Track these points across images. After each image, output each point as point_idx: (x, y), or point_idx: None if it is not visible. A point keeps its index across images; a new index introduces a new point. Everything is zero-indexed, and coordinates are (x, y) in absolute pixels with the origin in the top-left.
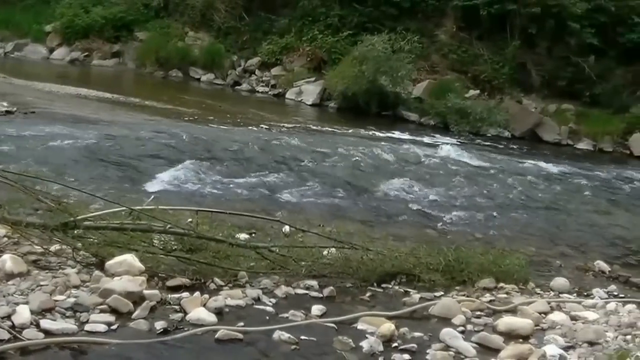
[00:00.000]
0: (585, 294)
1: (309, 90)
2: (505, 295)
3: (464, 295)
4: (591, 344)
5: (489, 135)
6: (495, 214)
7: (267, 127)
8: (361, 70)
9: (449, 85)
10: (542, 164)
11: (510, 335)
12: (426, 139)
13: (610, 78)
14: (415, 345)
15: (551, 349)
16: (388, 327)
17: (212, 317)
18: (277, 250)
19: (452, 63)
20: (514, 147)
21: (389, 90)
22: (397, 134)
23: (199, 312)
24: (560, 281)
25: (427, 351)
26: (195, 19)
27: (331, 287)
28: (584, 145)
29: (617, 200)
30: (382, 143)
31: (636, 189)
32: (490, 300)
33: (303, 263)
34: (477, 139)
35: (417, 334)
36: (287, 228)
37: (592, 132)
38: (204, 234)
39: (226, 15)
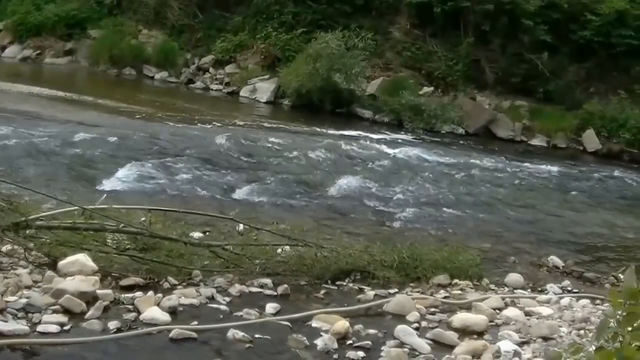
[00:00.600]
0: (540, 289)
1: (263, 88)
2: (459, 292)
3: (418, 292)
4: (545, 339)
5: (443, 132)
6: (449, 210)
7: (220, 125)
8: (315, 67)
9: (402, 83)
10: (496, 161)
11: (465, 332)
12: (380, 136)
13: (563, 75)
14: (369, 343)
15: (505, 345)
16: (342, 324)
17: (165, 317)
18: (231, 249)
19: (406, 60)
20: (468, 143)
21: (343, 87)
22: (351, 132)
23: (153, 311)
24: (514, 277)
25: (382, 348)
26: (149, 17)
27: (285, 285)
28: (537, 141)
29: (570, 196)
30: (336, 141)
31: (589, 185)
32: (445, 297)
33: (257, 261)
34: (431, 136)
35: (371, 331)
36: (241, 226)
37: (546, 128)
38: (158, 233)
39: (180, 13)
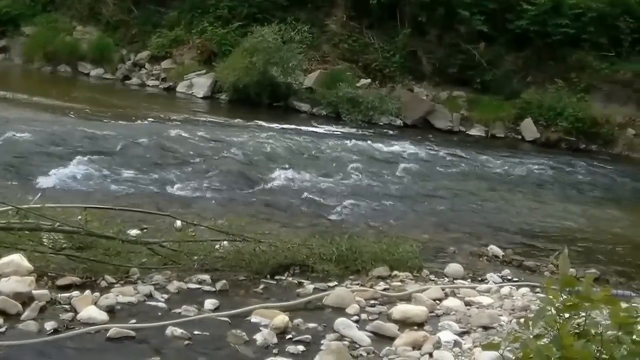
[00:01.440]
0: (480, 279)
1: (200, 83)
2: (399, 283)
3: (358, 284)
4: (486, 328)
5: (381, 123)
6: (388, 202)
7: (157, 121)
8: (252, 61)
9: (340, 75)
10: (434, 152)
11: (405, 323)
12: (318, 129)
13: (500, 64)
14: (309, 337)
15: (445, 335)
16: (281, 319)
17: (103, 316)
18: (169, 245)
19: (343, 52)
20: (406, 135)
21: (280, 81)
22: (289, 125)
23: (90, 310)
24: (454, 267)
25: (322, 342)
26: (83, 13)
27: (224, 281)
28: (476, 131)
29: (509, 185)
30: (274, 134)
31: (527, 174)
32: (385, 289)
33: (195, 257)
34: (369, 128)
35: (311, 324)
36: (178, 223)
37: (484, 118)
38: (94, 231)
39: (114, 9)
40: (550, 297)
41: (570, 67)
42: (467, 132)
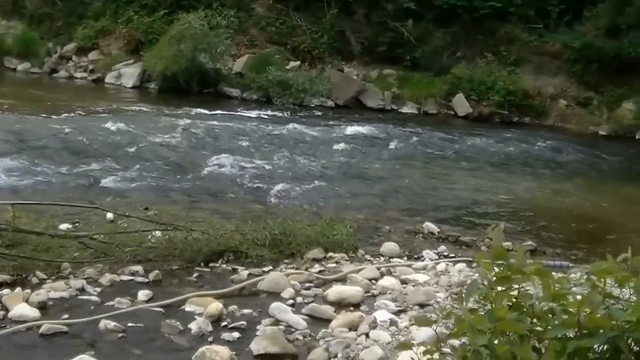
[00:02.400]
0: (416, 256)
1: (128, 73)
2: (334, 265)
3: (292, 268)
4: (422, 306)
5: (313, 105)
6: (322, 183)
7: (86, 113)
8: (179, 49)
9: (269, 59)
10: (367, 131)
11: (341, 304)
12: (249, 114)
13: (429, 41)
14: (244, 323)
15: (381, 315)
16: (216, 306)
17: (35, 312)
18: (100, 238)
19: (270, 36)
20: (338, 115)
21: (208, 67)
22: (219, 111)
23: (21, 308)
24: (390, 246)
25: (257, 327)
26: (7, 7)
27: (157, 271)
28: (408, 109)
29: (444, 162)
30: (205, 121)
31: (461, 149)
32: (320, 271)
33: (127, 249)
34: (300, 110)
35: (246, 310)
36: (109, 215)
37: (416, 95)
38: (22, 228)
39: (38, 2)
40: (483, 270)
41: (499, 41)
42: (399, 110)
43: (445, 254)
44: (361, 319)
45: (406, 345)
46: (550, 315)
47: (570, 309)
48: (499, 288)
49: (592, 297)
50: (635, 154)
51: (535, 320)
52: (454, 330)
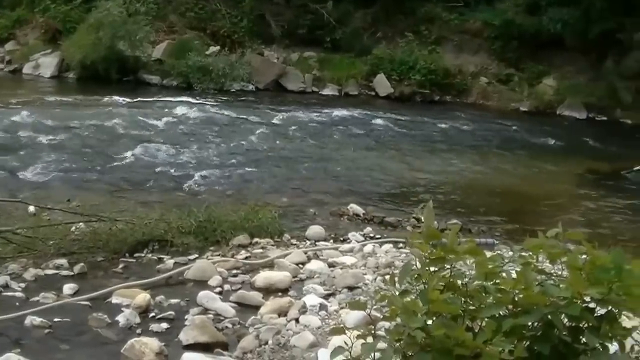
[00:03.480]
0: (342, 239)
1: (46, 63)
2: (260, 250)
3: (219, 255)
4: (351, 288)
5: (233, 90)
6: (244, 169)
7: (2, 105)
8: (98, 37)
9: (188, 44)
10: (288, 114)
11: (269, 290)
12: (169, 101)
13: (349, 22)
14: (172, 313)
15: (310, 299)
16: (142, 297)
17: None
18: (23, 232)
19: (190, 21)
20: (259, 99)
21: (128, 55)
22: (139, 99)
23: None
24: (315, 229)
25: (186, 317)
26: None
27: (82, 264)
28: (329, 91)
29: (365, 143)
30: (125, 110)
31: (383, 130)
32: (246, 257)
33: (51, 242)
34: (221, 95)
35: (174, 300)
36: (31, 208)
37: (337, 77)
38: None
39: None
40: (416, 251)
41: (419, 20)
42: (320, 92)
43: (372, 235)
44: (290, 304)
45: (339, 330)
46: (484, 294)
47: (504, 287)
48: (432, 269)
49: (526, 274)
50: (556, 129)
51: (469, 300)
52: (387, 312)
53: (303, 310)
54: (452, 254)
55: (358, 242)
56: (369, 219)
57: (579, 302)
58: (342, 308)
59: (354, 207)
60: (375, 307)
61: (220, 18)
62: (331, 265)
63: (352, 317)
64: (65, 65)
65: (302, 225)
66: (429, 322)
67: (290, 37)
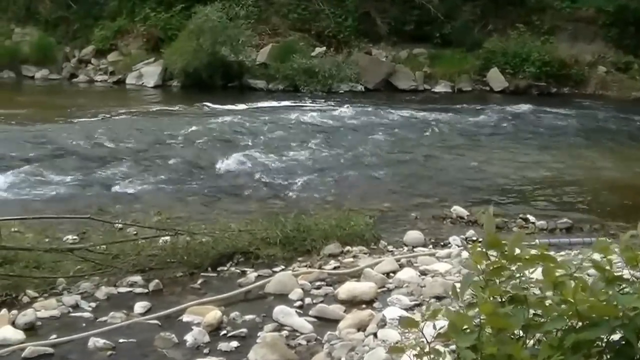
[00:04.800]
0: (442, 243)
1: (149, 72)
2: (352, 259)
3: (306, 266)
4: (439, 298)
5: (341, 91)
6: (348, 173)
7: (104, 118)
8: (199, 43)
9: (293, 46)
10: (398, 114)
11: (353, 302)
12: (275, 105)
13: (458, 16)
14: (245, 330)
15: (391, 312)
16: (214, 315)
17: (19, 335)
18: (99, 249)
19: (293, 23)
20: (368, 100)
21: (231, 60)
22: (244, 105)
23: (4, 331)
24: (413, 234)
25: (259, 334)
26: (20, 14)
27: (156, 281)
28: (441, 87)
29: (478, 140)
30: (228, 116)
31: (497, 126)
32: (335, 267)
33: (127, 258)
34: (328, 97)
35: (249, 317)
36: (119, 224)
37: (448, 73)
38: (7, 245)
39: (52, 6)
40: (471, 262)
41: (530, 10)
42: (432, 90)
43: (474, 239)
44: (371, 317)
45: (398, 349)
46: (548, 306)
47: (567, 297)
48: (497, 279)
49: (590, 281)
50: None
51: (533, 311)
52: (445, 330)
53: (382, 324)
54: (515, 261)
55: (459, 246)
56: (472, 221)
57: None
58: (425, 320)
59: (458, 210)
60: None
61: (324, 18)
62: (423, 273)
63: (431, 330)
64: (168, 74)
65: (401, 230)
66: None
67: (397, 34)
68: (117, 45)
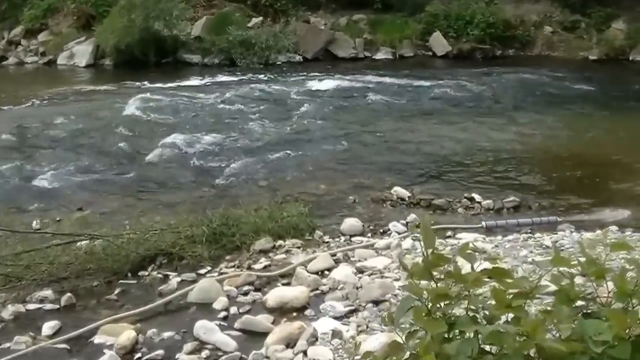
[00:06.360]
0: (382, 231)
1: (81, 51)
2: (284, 256)
3: (234, 266)
4: (376, 303)
5: (279, 63)
6: (284, 153)
7: (31, 102)
8: (131, 19)
9: (229, 18)
10: (338, 85)
11: (283, 310)
12: (210, 81)
13: None
14: (161, 352)
15: (322, 324)
16: (127, 335)
17: None
18: (9, 261)
19: None
20: (307, 70)
21: (165, 35)
22: (178, 82)
23: None
24: (350, 222)
25: (177, 356)
26: None
27: (69, 294)
28: (382, 54)
29: (419, 112)
30: (159, 96)
31: (439, 94)
32: (266, 266)
33: (41, 268)
34: (266, 69)
35: (167, 333)
36: (35, 224)
37: (390, 39)
38: None
39: None
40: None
41: None
42: (373, 57)
43: (417, 224)
44: (301, 330)
45: None
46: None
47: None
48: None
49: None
50: (631, 77)
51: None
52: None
53: (312, 339)
54: (461, 281)
55: (398, 234)
56: (414, 202)
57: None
58: (361, 331)
59: (398, 191)
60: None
61: None
62: (360, 270)
63: (370, 345)
64: (100, 52)
65: (339, 217)
66: None
67: (336, 0)
68: (47, 24)
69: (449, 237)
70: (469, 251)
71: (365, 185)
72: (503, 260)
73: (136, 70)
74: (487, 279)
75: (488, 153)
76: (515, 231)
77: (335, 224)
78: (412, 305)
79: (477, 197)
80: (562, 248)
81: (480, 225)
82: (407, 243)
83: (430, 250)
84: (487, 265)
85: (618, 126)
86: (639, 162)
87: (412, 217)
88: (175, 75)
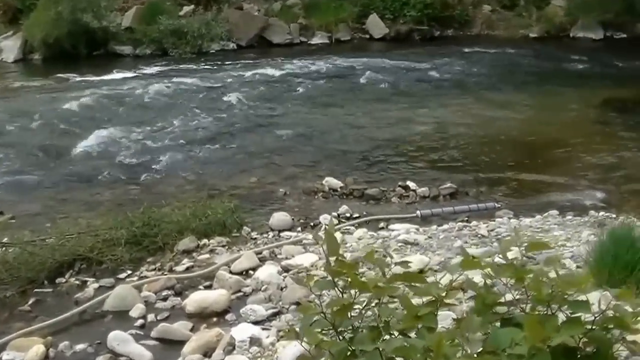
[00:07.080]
0: (312, 224)
1: (9, 47)
2: (207, 256)
3: (155, 268)
4: (300, 304)
5: (212, 51)
6: (214, 145)
7: None
8: (58, 12)
9: (159, 7)
10: (271, 72)
11: (203, 315)
12: (141, 72)
13: None
14: None
15: (241, 332)
16: (36, 350)
17: None
18: None
19: None
20: (241, 58)
21: (94, 26)
22: (108, 75)
23: None
24: (279, 217)
25: None
26: None
27: None
28: (318, 39)
29: (352, 95)
30: (88, 90)
31: (374, 79)
32: (188, 267)
33: None
34: (199, 59)
35: (80, 346)
36: None
37: (325, 23)
38: None
39: None
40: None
41: None
42: (309, 42)
43: (348, 215)
44: (219, 337)
45: None
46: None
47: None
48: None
49: (467, 319)
50: (571, 54)
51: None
52: None
53: (230, 348)
54: (365, 290)
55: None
56: (347, 193)
57: (546, 348)
58: (282, 337)
59: (330, 181)
60: None
61: None
62: (285, 269)
63: (288, 354)
64: (29, 47)
65: (269, 211)
66: None
67: None
68: None
69: (382, 228)
70: (376, 256)
71: (297, 176)
72: (436, 253)
73: (66, 64)
74: (398, 285)
75: (425, 139)
76: (452, 219)
77: (265, 218)
78: (313, 321)
79: (412, 185)
80: (499, 237)
81: (414, 215)
82: (337, 236)
83: (333, 258)
84: (421, 259)
85: (559, 106)
86: (580, 143)
87: (343, 208)
88: (106, 67)
